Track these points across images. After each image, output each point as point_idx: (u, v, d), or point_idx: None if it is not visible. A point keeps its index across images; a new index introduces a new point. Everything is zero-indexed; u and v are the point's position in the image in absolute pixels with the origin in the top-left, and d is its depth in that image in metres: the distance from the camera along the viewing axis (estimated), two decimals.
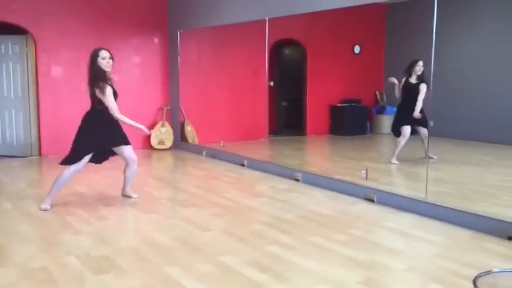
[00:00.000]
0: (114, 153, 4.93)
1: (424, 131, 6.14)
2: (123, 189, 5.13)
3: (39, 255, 3.52)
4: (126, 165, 4.95)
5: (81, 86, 7.77)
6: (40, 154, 7.70)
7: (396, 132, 6.54)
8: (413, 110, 6.23)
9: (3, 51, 7.68)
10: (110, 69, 4.73)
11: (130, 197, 5.07)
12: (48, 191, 4.76)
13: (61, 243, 3.78)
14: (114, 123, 4.78)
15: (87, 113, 4.77)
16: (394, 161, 6.45)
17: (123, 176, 5.05)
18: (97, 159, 4.89)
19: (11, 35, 7.64)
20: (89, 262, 3.37)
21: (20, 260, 3.40)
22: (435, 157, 6.09)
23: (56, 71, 7.69)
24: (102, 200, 5.05)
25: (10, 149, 7.78)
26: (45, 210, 4.62)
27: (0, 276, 3.13)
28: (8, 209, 4.73)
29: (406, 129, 6.37)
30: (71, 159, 4.68)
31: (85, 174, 5.97)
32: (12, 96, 7.72)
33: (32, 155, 7.71)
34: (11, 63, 7.68)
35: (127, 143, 4.87)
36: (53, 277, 3.12)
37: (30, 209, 4.73)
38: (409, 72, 6.41)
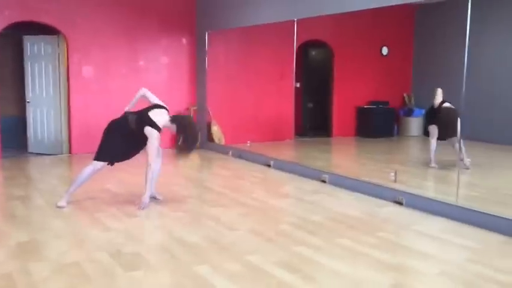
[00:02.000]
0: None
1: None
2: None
3: (71, 250, 3.59)
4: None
5: (110, 85, 8.01)
6: (70, 152, 7.85)
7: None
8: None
9: (35, 51, 7.87)
10: None
11: (154, 197, 5.05)
12: (67, 189, 4.83)
13: (92, 239, 3.85)
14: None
15: (120, 119, 4.76)
16: (433, 164, 6.31)
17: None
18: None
19: (44, 35, 7.82)
20: (119, 258, 3.42)
21: (53, 255, 3.47)
22: (468, 160, 5.96)
23: (87, 71, 7.84)
24: (131, 198, 5.11)
25: (41, 146, 7.96)
26: (62, 207, 4.67)
27: (34, 270, 3.20)
28: (41, 205, 4.84)
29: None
30: (97, 156, 4.74)
31: (113, 172, 6.06)
32: (44, 95, 7.89)
33: (62, 153, 7.87)
34: (43, 63, 7.86)
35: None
36: (85, 272, 3.18)
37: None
38: None
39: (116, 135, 4.72)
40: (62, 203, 4.71)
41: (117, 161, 4.83)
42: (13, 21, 7.31)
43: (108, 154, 4.73)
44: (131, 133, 4.66)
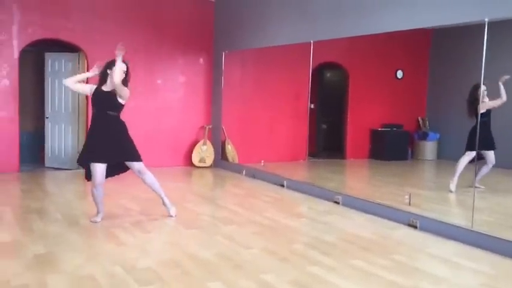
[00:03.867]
0: (126, 169, 4.88)
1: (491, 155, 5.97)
2: (163, 203, 5.10)
3: (87, 263, 3.64)
4: (143, 181, 4.93)
5: (127, 103, 8.12)
6: None
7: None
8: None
9: (56, 68, 8.06)
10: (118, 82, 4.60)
11: (168, 211, 5.05)
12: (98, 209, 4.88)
13: (107, 253, 3.89)
14: (125, 136, 4.75)
15: (95, 120, 4.72)
16: (452, 188, 6.17)
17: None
18: (111, 172, 4.81)
19: (65, 53, 8.01)
20: (134, 273, 3.45)
21: (69, 268, 3.52)
22: (482, 187, 5.92)
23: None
24: (145, 214, 5.17)
25: (59, 161, 8.07)
26: (95, 222, 4.77)
27: (51, 282, 3.25)
28: (58, 219, 4.91)
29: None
30: (86, 175, 4.80)
31: (128, 189, 6.16)
32: (63, 111, 8.05)
33: (78, 168, 7.96)
34: (63, 79, 7.99)
35: (137, 159, 4.79)
36: (100, 285, 3.22)
37: (77, 219, 4.91)
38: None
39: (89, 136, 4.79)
40: (95, 218, 4.81)
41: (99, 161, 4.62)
42: (36, 39, 7.52)
43: (87, 156, 4.68)
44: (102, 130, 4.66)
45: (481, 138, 5.90)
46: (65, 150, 8.06)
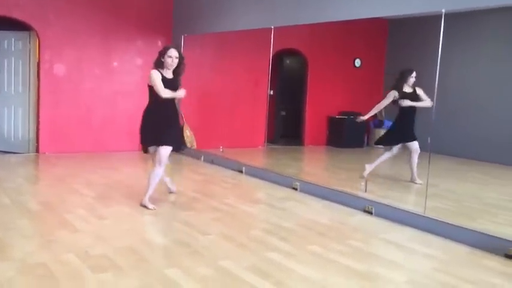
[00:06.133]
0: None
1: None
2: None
3: (38, 251, 3.50)
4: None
5: (82, 85, 7.88)
6: (38, 151, 7.66)
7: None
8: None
9: (5, 46, 7.67)
10: (172, 68, 4.80)
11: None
12: (146, 191, 4.81)
13: (60, 240, 3.76)
14: (173, 124, 4.97)
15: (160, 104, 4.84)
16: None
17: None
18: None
19: (15, 31, 7.64)
20: (88, 260, 3.35)
21: (19, 255, 3.38)
22: (420, 182, 6.03)
23: (58, 69, 7.69)
24: (100, 200, 5.04)
25: (8, 144, 7.73)
26: (154, 209, 4.70)
27: None
28: (7, 204, 4.71)
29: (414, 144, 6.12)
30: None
31: (83, 174, 5.99)
32: (13, 92, 7.70)
33: (29, 152, 7.68)
34: (13, 59, 7.67)
35: (167, 143, 4.92)
36: (53, 273, 3.11)
37: (28, 204, 4.72)
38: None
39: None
40: (151, 206, 4.76)
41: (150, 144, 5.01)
42: None
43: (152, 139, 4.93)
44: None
45: (405, 130, 6.04)
46: (15, 132, 7.73)
